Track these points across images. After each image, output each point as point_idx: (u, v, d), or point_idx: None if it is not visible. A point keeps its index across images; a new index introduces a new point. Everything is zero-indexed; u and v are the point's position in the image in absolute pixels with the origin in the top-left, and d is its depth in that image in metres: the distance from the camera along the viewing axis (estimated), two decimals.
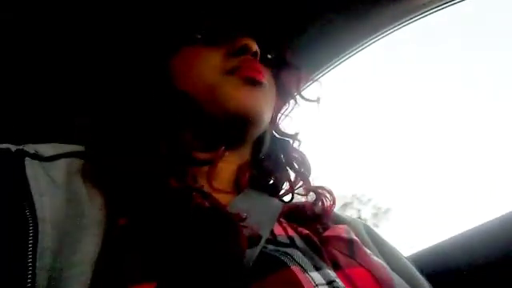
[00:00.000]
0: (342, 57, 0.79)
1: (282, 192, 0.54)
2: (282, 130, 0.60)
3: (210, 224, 0.37)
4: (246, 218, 0.40)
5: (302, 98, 0.60)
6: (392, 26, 0.75)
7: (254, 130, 0.50)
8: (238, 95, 0.47)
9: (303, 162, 0.57)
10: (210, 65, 0.49)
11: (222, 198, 0.45)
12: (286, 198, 0.55)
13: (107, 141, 0.45)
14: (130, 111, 0.48)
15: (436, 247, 0.76)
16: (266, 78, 0.51)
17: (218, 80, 0.48)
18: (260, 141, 0.55)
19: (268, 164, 0.55)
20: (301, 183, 0.55)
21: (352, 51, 0.79)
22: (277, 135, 0.60)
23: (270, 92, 0.52)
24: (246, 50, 0.49)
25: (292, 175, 0.56)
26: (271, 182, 0.55)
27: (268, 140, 0.56)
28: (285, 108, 0.61)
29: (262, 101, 0.49)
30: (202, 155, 0.48)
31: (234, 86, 0.47)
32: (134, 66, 0.52)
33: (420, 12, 0.72)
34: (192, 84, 0.48)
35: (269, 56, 0.55)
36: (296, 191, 0.55)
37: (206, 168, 0.48)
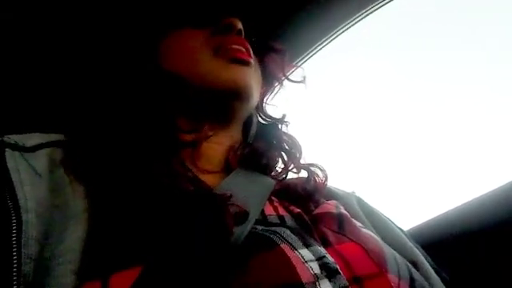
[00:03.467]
0: (330, 36, 0.79)
1: (275, 172, 0.54)
2: (269, 114, 0.60)
3: (194, 206, 0.37)
4: (231, 196, 0.39)
5: (288, 79, 0.60)
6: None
7: (242, 105, 0.51)
8: (226, 71, 0.48)
9: (293, 143, 0.57)
10: (196, 44, 0.50)
11: (211, 180, 0.45)
12: (280, 177, 0.54)
13: (88, 128, 0.45)
14: (113, 95, 0.48)
15: (431, 221, 0.77)
16: (252, 57, 0.51)
17: (206, 59, 0.49)
18: (248, 123, 0.55)
19: (259, 145, 0.55)
20: (292, 164, 0.55)
21: (338, 30, 0.79)
22: (264, 119, 0.60)
23: (256, 73, 0.53)
24: (230, 28, 0.51)
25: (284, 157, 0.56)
26: (263, 162, 0.54)
27: (255, 122, 0.57)
28: (270, 92, 0.62)
29: (249, 77, 0.50)
30: (188, 136, 0.47)
31: (222, 64, 0.49)
32: (123, 49, 0.53)
33: None
34: (180, 64, 0.49)
35: (252, 39, 0.55)
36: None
37: (193, 150, 0.47)
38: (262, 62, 0.57)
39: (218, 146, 0.50)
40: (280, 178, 0.52)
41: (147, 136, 0.44)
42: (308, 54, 0.80)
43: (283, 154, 0.56)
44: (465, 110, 1.03)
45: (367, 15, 0.76)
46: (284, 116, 0.59)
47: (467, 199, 0.74)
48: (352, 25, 0.78)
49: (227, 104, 0.50)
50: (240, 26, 0.51)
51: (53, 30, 0.63)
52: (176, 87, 0.48)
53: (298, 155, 0.55)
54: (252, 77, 0.51)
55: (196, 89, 0.48)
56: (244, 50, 0.50)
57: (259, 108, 0.60)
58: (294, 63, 0.78)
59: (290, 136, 0.58)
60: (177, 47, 0.51)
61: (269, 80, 0.60)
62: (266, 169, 0.53)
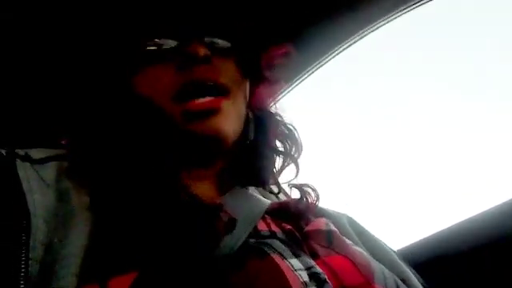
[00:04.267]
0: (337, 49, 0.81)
1: (268, 187, 0.55)
2: (264, 109, 0.55)
3: (188, 215, 0.39)
4: (222, 206, 0.41)
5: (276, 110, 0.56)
6: (386, 17, 0.76)
7: (220, 147, 0.46)
8: (192, 126, 0.44)
9: (292, 137, 0.55)
10: (160, 87, 0.44)
11: (206, 200, 0.45)
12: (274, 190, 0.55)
13: (89, 141, 0.46)
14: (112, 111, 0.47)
15: (423, 241, 0.78)
16: (226, 78, 0.46)
17: (168, 106, 0.44)
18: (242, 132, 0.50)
19: (251, 156, 0.52)
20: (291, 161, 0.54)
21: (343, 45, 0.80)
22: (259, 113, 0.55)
23: (235, 95, 0.48)
24: (193, 57, 0.44)
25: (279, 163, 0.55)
26: (256, 176, 0.54)
27: (252, 129, 0.52)
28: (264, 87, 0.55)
29: (221, 123, 0.44)
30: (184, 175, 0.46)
31: (185, 117, 0.44)
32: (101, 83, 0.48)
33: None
34: (147, 101, 0.44)
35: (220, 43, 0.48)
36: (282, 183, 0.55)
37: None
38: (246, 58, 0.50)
39: (206, 173, 0.49)
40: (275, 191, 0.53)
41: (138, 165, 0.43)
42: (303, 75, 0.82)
43: (281, 153, 0.55)
44: (460, 125, 1.04)
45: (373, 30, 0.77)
46: (281, 110, 0.56)
47: (459, 219, 0.75)
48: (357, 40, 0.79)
49: (198, 148, 0.46)
50: (203, 52, 0.44)
51: (52, 31, 0.64)
52: (149, 119, 0.44)
53: (296, 154, 0.55)
54: (225, 116, 0.45)
55: (164, 127, 0.44)
56: (211, 84, 0.44)
57: (251, 106, 0.54)
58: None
59: (289, 128, 0.55)
60: (145, 80, 0.45)
61: (257, 76, 0.53)
62: (259, 181, 0.53)
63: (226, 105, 0.45)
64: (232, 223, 0.39)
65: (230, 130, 0.45)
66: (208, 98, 0.44)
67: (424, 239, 0.79)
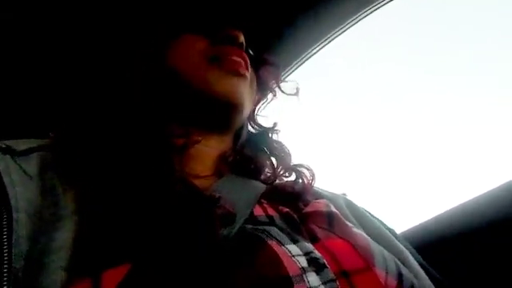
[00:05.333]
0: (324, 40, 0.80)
1: (264, 176, 0.55)
2: (260, 123, 0.62)
3: (183, 206, 0.38)
4: (219, 198, 0.40)
5: (281, 91, 0.62)
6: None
7: (235, 116, 0.52)
8: (222, 82, 0.50)
9: (282, 149, 0.58)
10: (194, 50, 0.51)
11: (202, 183, 0.45)
12: (269, 181, 0.55)
13: (77, 129, 0.45)
14: (106, 95, 0.49)
15: (421, 225, 0.77)
16: (249, 70, 0.53)
17: (203, 67, 0.50)
18: (239, 131, 0.57)
19: (248, 151, 0.56)
20: (281, 166, 0.56)
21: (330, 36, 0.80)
22: (255, 128, 0.62)
23: (251, 84, 0.55)
24: (233, 39, 0.52)
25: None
26: (252, 166, 0.55)
27: (246, 130, 0.59)
28: (263, 102, 0.64)
29: (244, 90, 0.51)
30: (179, 141, 0.48)
31: (218, 75, 0.50)
32: (128, 48, 0.55)
33: None
34: (180, 66, 0.51)
35: (251, 52, 0.57)
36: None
37: (184, 154, 0.48)
38: (256, 73, 0.58)
39: (209, 149, 0.51)
40: (269, 182, 0.53)
41: (137, 136, 0.44)
42: (302, 58, 0.82)
43: (272, 159, 0.57)
44: (458, 110, 1.03)
45: (362, 18, 0.77)
46: (275, 125, 0.60)
47: (460, 201, 0.75)
48: (346, 29, 0.79)
49: (220, 113, 0.51)
50: (242, 39, 0.53)
51: (53, 30, 0.64)
52: (174, 87, 0.49)
53: (286, 160, 0.57)
54: (246, 89, 0.52)
55: (192, 93, 0.49)
56: (243, 62, 0.52)
57: (251, 117, 0.61)
58: (288, 69, 0.80)
59: (279, 143, 0.59)
60: (179, 50, 0.52)
61: (262, 90, 0.61)
62: (256, 173, 0.53)
63: (248, 81, 0.53)
64: (230, 218, 0.38)
65: (245, 102, 0.52)
66: (241, 63, 0.51)
67: (422, 224, 0.78)
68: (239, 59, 0.52)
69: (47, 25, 0.64)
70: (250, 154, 0.55)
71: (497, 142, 0.93)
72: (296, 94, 0.61)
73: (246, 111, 0.54)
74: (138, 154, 0.43)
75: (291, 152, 0.58)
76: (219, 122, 0.52)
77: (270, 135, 0.60)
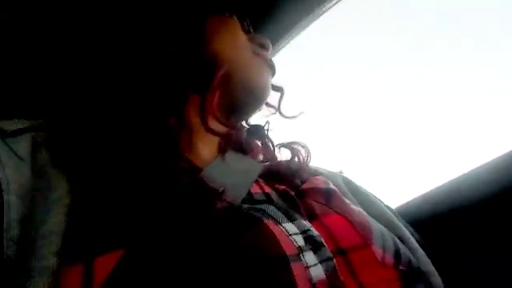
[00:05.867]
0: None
1: (262, 153, 0.55)
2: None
3: (184, 196, 0.37)
4: (222, 193, 0.39)
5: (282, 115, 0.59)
6: None
7: (258, 108, 0.54)
8: (264, 74, 0.51)
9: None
10: (241, 40, 0.51)
11: (204, 157, 0.45)
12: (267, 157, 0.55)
13: (74, 109, 0.44)
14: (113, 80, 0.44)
15: (420, 197, 0.78)
16: None
17: (249, 54, 0.50)
18: None
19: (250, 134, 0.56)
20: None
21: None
22: None
23: None
24: (265, 46, 0.53)
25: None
26: (251, 144, 0.55)
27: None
28: None
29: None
30: (218, 126, 0.47)
31: (262, 66, 0.51)
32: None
33: None
34: (226, 52, 0.48)
35: None
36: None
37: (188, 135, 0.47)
38: None
39: (223, 127, 0.49)
40: (267, 158, 0.53)
41: (143, 119, 0.42)
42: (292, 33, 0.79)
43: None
44: (459, 86, 1.02)
45: None
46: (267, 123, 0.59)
47: (454, 175, 0.75)
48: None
49: (251, 103, 0.51)
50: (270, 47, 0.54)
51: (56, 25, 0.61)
52: (210, 71, 0.46)
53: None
54: None
55: (231, 80, 0.47)
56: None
57: None
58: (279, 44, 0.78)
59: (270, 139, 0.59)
60: (223, 34, 0.50)
61: None
62: (252, 148, 0.53)
63: None
64: (233, 211, 0.38)
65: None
66: None
67: (420, 196, 0.79)
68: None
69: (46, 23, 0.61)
70: (251, 136, 0.55)
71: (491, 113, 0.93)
72: (295, 117, 0.58)
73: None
74: (140, 137, 0.41)
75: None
76: (246, 111, 0.53)
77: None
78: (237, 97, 0.49)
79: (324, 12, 0.76)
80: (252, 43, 0.52)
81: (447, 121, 1.01)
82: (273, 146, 0.56)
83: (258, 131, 0.58)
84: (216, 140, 0.49)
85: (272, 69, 0.52)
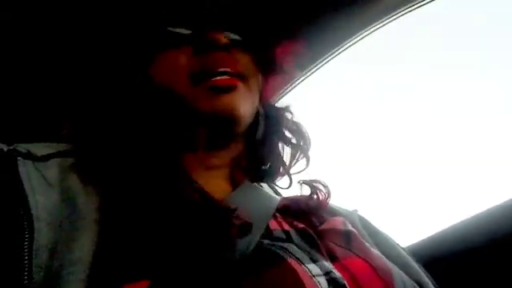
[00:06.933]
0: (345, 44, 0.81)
1: (282, 170, 0.54)
2: (273, 104, 0.57)
3: (200, 217, 0.37)
4: (236, 209, 0.39)
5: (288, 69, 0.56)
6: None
7: (235, 127, 0.47)
8: (207, 102, 0.44)
9: (300, 132, 0.55)
10: (176, 69, 0.45)
11: (218, 194, 0.44)
12: (284, 184, 0.54)
13: (99, 137, 0.44)
14: (117, 109, 0.46)
15: (431, 238, 0.77)
16: (243, 68, 0.47)
17: (185, 86, 0.44)
18: (252, 126, 0.52)
19: (261, 150, 0.53)
20: (301, 154, 0.54)
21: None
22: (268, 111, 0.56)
23: (250, 83, 0.48)
24: (213, 44, 0.45)
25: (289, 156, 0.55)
26: (268, 166, 0.54)
27: (262, 123, 0.53)
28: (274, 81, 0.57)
29: (237, 101, 0.45)
30: (192, 157, 0.47)
31: (201, 94, 0.44)
32: (118, 71, 0.49)
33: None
34: (165, 83, 0.45)
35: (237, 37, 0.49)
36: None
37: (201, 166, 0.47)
38: (262, 56, 0.52)
39: (220, 160, 0.49)
40: (285, 186, 0.52)
41: (155, 151, 0.44)
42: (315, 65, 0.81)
43: (290, 147, 0.55)
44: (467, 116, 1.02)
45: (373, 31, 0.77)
46: (288, 106, 0.56)
47: (466, 216, 0.75)
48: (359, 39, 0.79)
49: (216, 130, 0.46)
50: (224, 40, 0.45)
51: (53, 31, 0.63)
52: (165, 106, 0.45)
53: (305, 147, 0.54)
54: (241, 96, 0.46)
55: (182, 112, 0.45)
56: (229, 70, 0.45)
57: (262, 101, 0.55)
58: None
59: (296, 123, 0.55)
60: (162, 65, 0.46)
61: (270, 69, 0.54)
62: (271, 174, 0.53)
63: (243, 87, 0.46)
64: (247, 228, 0.38)
65: (244, 111, 0.46)
66: (226, 77, 0.45)
67: (429, 237, 0.78)
68: (224, 68, 0.45)
69: (44, 26, 0.63)
70: (263, 155, 0.52)
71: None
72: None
73: (248, 118, 0.48)
74: (157, 168, 0.42)
75: (309, 135, 0.55)
76: (218, 137, 0.47)
77: (285, 116, 0.55)
78: (190, 126, 0.46)
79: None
80: (195, 56, 0.45)
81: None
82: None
83: (276, 123, 0.54)
84: (223, 171, 0.49)
85: (220, 89, 0.44)
